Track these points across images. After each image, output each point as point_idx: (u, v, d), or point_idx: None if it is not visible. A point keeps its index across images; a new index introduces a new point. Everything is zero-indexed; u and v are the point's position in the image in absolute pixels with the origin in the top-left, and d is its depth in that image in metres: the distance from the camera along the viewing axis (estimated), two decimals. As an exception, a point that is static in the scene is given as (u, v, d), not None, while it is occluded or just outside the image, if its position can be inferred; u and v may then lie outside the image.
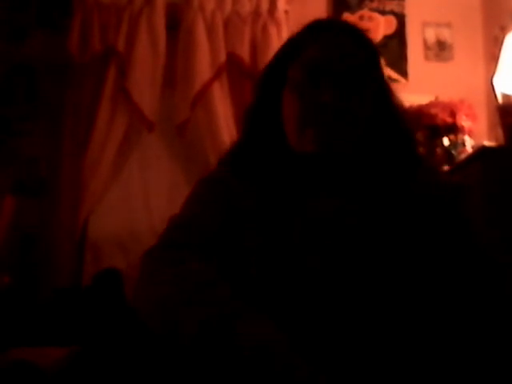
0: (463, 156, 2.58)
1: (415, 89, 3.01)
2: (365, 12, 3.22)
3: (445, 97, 2.89)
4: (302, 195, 1.07)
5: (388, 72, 2.98)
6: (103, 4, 3.00)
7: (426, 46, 3.25)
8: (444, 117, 2.75)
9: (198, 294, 0.93)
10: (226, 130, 2.91)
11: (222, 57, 2.99)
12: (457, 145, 2.73)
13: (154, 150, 3.12)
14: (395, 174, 1.08)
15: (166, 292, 0.95)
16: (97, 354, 1.68)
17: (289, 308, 0.96)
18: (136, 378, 1.39)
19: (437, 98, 2.91)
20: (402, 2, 3.25)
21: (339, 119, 1.05)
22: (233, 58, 3.01)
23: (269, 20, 3.04)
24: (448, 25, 3.26)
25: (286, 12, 3.07)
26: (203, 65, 2.96)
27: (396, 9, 3.24)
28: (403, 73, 3.15)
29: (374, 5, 3.23)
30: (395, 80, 3.06)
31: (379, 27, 3.20)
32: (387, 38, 3.19)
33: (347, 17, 3.16)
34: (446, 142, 2.74)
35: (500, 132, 2.47)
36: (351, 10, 3.21)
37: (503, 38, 2.67)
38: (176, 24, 3.04)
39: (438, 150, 2.74)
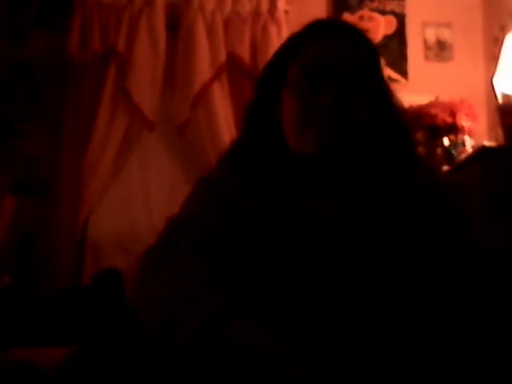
0: (463, 156, 2.58)
1: (415, 89, 3.01)
2: (365, 12, 3.22)
3: (445, 97, 2.89)
4: (301, 195, 1.07)
5: (388, 72, 2.98)
6: (103, 4, 3.00)
7: (426, 46, 3.25)
8: (444, 117, 2.75)
9: (198, 293, 0.93)
10: (226, 129, 2.91)
11: (222, 57, 2.99)
12: (457, 145, 2.73)
13: (154, 150, 3.12)
14: (394, 174, 1.08)
15: (165, 291, 0.95)
16: (97, 354, 1.68)
17: (288, 308, 0.96)
18: (136, 378, 1.39)
19: (437, 98, 2.91)
20: (402, 1, 3.25)
21: (338, 120, 1.05)
22: (233, 58, 3.01)
23: (269, 20, 3.04)
24: (448, 25, 3.26)
25: (286, 12, 3.06)
26: (203, 65, 2.96)
27: (396, 9, 3.24)
28: (403, 73, 3.15)
29: (374, 5, 3.23)
30: (395, 80, 3.06)
31: (379, 27, 3.20)
32: (387, 37, 3.19)
33: (347, 17, 3.16)
34: (446, 141, 2.74)
35: (500, 132, 2.47)
36: (351, 10, 3.20)
37: (503, 38, 2.67)
38: (176, 24, 3.04)
39: (438, 150, 2.74)
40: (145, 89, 2.93)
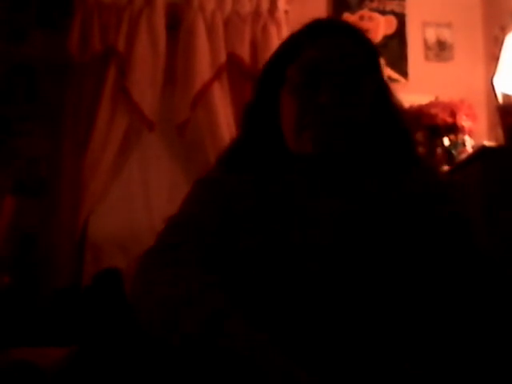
0: (463, 156, 2.59)
1: (415, 89, 3.01)
2: (365, 12, 3.22)
3: (445, 97, 2.89)
4: (301, 195, 1.07)
5: (388, 72, 2.98)
6: (103, 4, 3.00)
7: (426, 46, 3.25)
8: (444, 117, 2.75)
9: (197, 294, 0.93)
10: (227, 129, 2.91)
11: (222, 57, 2.99)
12: (457, 145, 2.73)
13: (154, 150, 3.12)
14: (394, 174, 1.08)
15: (165, 291, 0.95)
16: (96, 353, 1.68)
17: (288, 308, 0.96)
18: (136, 378, 1.39)
19: (437, 98, 2.91)
20: (403, 1, 3.25)
21: (337, 120, 1.05)
22: (233, 58, 3.01)
23: (269, 20, 3.04)
24: (448, 25, 3.26)
25: (286, 12, 3.07)
26: (203, 65, 2.96)
27: (396, 9, 3.24)
28: (403, 73, 3.15)
29: (374, 5, 3.23)
30: (395, 80, 3.06)
31: (379, 27, 3.20)
32: (387, 37, 3.19)
33: (347, 17, 3.16)
34: (446, 141, 2.75)
35: (500, 132, 2.47)
36: (351, 10, 3.20)
37: (503, 38, 2.67)
38: (176, 24, 3.04)
39: (438, 150, 2.74)
40: (145, 89, 2.93)
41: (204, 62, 2.96)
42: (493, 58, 2.87)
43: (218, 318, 0.89)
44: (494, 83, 2.63)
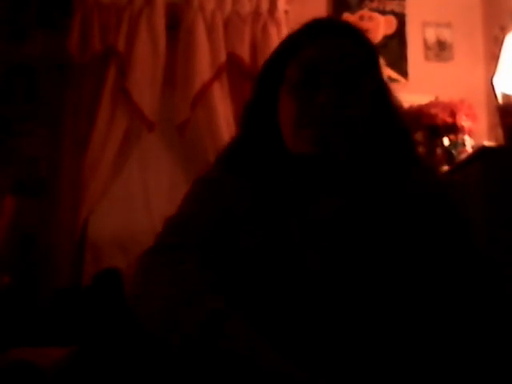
0: (463, 156, 2.58)
1: (415, 89, 3.01)
2: (365, 12, 3.22)
3: (445, 97, 2.89)
4: (301, 195, 1.07)
5: (388, 72, 2.98)
6: (103, 4, 3.00)
7: (426, 46, 3.25)
8: (444, 117, 2.75)
9: (197, 294, 0.93)
10: (226, 129, 2.91)
11: (222, 57, 2.99)
12: (457, 145, 2.73)
13: (154, 150, 3.12)
14: (394, 173, 1.08)
15: (165, 292, 0.95)
16: (97, 354, 1.68)
17: (288, 309, 0.96)
18: (135, 378, 1.39)
19: (437, 98, 2.91)
20: (403, 1, 3.25)
21: (336, 120, 1.04)
22: (233, 58, 3.01)
23: (269, 20, 3.04)
24: (448, 25, 3.26)
25: (286, 12, 3.07)
26: (203, 65, 2.96)
27: (396, 9, 3.24)
28: (403, 73, 3.15)
29: (374, 5, 3.23)
30: (395, 80, 3.06)
31: (379, 27, 3.20)
32: (387, 37, 3.19)
33: (347, 17, 3.16)
34: (446, 142, 2.74)
35: (500, 132, 2.47)
36: (351, 10, 3.20)
37: (503, 37, 2.66)
38: (176, 24, 3.04)
39: (438, 150, 2.74)
40: (145, 89, 2.93)
41: (204, 61, 2.96)
42: (493, 58, 2.87)
43: (218, 319, 0.89)
44: (494, 83, 2.63)
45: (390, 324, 0.96)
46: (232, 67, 3.02)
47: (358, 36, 1.11)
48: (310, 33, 1.11)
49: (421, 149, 2.67)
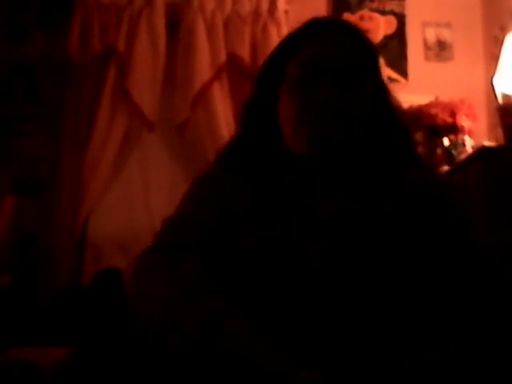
0: (463, 156, 2.58)
1: (415, 89, 3.01)
2: (365, 12, 3.22)
3: (445, 97, 2.88)
4: (301, 195, 1.07)
5: (388, 72, 2.98)
6: (103, 4, 3.00)
7: (426, 46, 3.25)
8: (444, 117, 2.75)
9: (197, 293, 0.93)
10: (226, 129, 2.91)
11: (222, 57, 2.99)
12: (457, 145, 2.73)
13: (154, 150, 3.12)
14: (393, 174, 1.08)
15: (165, 291, 0.95)
16: (96, 354, 1.68)
17: (288, 308, 0.96)
18: (135, 378, 1.39)
19: (437, 98, 2.91)
20: (403, 2, 3.25)
21: (336, 118, 1.04)
22: (233, 58, 3.01)
23: (269, 20, 3.04)
24: (448, 25, 3.26)
25: (286, 12, 3.07)
26: (203, 65, 2.96)
27: (396, 9, 3.24)
28: (403, 73, 3.15)
29: (374, 5, 3.23)
30: (395, 80, 3.06)
31: (379, 27, 3.20)
32: (387, 38, 3.19)
33: (347, 17, 3.16)
34: (446, 142, 2.74)
35: (500, 132, 2.47)
36: (351, 10, 3.20)
37: (503, 37, 2.67)
38: (176, 24, 3.04)
39: (438, 150, 2.74)
40: (145, 89, 2.93)
41: (204, 61, 2.96)
42: (493, 58, 2.87)
43: (217, 318, 0.89)
44: (494, 83, 2.63)
45: (391, 322, 0.96)
46: (232, 67, 3.02)
47: (358, 35, 1.11)
48: (311, 31, 1.10)
49: (421, 149, 2.67)
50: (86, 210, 2.86)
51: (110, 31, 2.98)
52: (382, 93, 1.12)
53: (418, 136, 2.72)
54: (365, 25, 3.13)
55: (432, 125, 2.75)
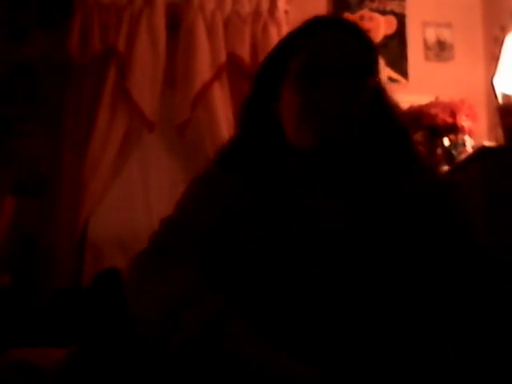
0: (463, 156, 2.58)
1: (415, 89, 3.01)
2: (365, 12, 3.22)
3: (445, 97, 2.88)
4: (300, 195, 1.07)
5: (388, 72, 2.98)
6: (103, 4, 3.00)
7: (427, 46, 3.25)
8: (444, 117, 2.75)
9: (197, 294, 0.93)
10: (227, 129, 2.91)
11: (222, 57, 2.99)
12: (457, 145, 2.73)
13: (154, 150, 3.13)
14: (393, 174, 1.08)
15: (165, 293, 0.95)
16: (96, 354, 1.68)
17: (288, 310, 0.96)
18: (135, 378, 1.39)
19: (437, 98, 2.91)
20: (403, 2, 3.25)
21: (337, 119, 1.04)
22: (233, 58, 3.01)
23: (269, 20, 3.04)
24: (448, 25, 3.26)
25: (286, 12, 3.07)
26: (203, 65, 2.96)
27: (396, 9, 3.24)
28: (403, 73, 3.15)
29: (375, 5, 3.23)
30: (395, 80, 3.06)
31: (379, 27, 3.20)
32: (387, 38, 3.19)
33: (347, 17, 3.15)
34: (446, 142, 2.74)
35: (500, 132, 2.47)
36: (351, 10, 3.20)
37: (503, 37, 2.67)
38: (176, 24, 3.04)
39: (438, 150, 2.74)
40: (145, 89, 2.93)
41: (204, 61, 2.96)
42: (493, 58, 2.87)
43: (218, 319, 0.89)
44: (494, 83, 2.63)
45: (391, 325, 0.96)
46: (232, 67, 3.02)
47: (360, 34, 1.11)
48: (314, 27, 1.11)
49: (421, 149, 2.67)
50: (86, 210, 2.86)
51: (110, 31, 2.98)
52: (380, 92, 1.12)
53: (418, 136, 2.72)
54: (365, 25, 3.13)
55: (432, 125, 2.75)
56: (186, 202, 1.11)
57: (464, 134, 2.76)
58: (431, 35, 3.26)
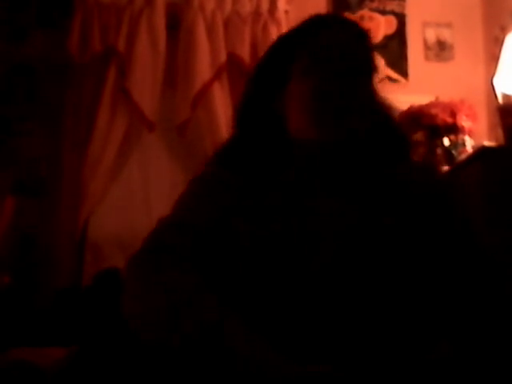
0: (463, 156, 2.58)
1: (415, 89, 3.01)
2: (365, 12, 3.22)
3: (445, 97, 2.88)
4: (300, 194, 1.06)
5: (388, 72, 2.98)
6: (103, 4, 3.00)
7: (427, 46, 3.25)
8: (444, 117, 2.75)
9: (197, 295, 0.93)
10: (227, 129, 2.91)
11: (223, 57, 2.99)
12: (457, 145, 2.73)
13: (154, 150, 3.12)
14: (393, 174, 1.08)
15: (164, 294, 0.94)
16: (96, 354, 1.68)
17: (288, 309, 0.96)
18: (135, 378, 1.39)
19: (437, 98, 2.91)
20: (403, 2, 3.25)
21: (337, 119, 1.04)
22: (233, 58, 3.01)
23: (269, 20, 3.04)
24: (448, 25, 3.26)
25: (286, 12, 3.07)
26: (203, 65, 2.96)
27: (396, 9, 3.24)
28: (403, 73, 3.15)
29: (375, 5, 3.23)
30: (395, 80, 3.06)
31: (379, 27, 3.20)
32: (387, 38, 3.19)
33: (347, 17, 3.16)
34: (446, 142, 2.74)
35: (500, 132, 2.47)
36: (351, 9, 3.20)
37: (503, 38, 2.67)
38: (176, 24, 3.04)
39: (439, 150, 2.74)
40: (145, 89, 2.93)
41: (204, 61, 2.96)
42: (493, 58, 2.87)
43: (217, 318, 0.89)
44: (494, 83, 2.63)
45: (391, 322, 0.96)
46: (232, 67, 3.02)
47: (361, 33, 1.12)
48: (319, 22, 1.11)
49: (421, 149, 2.67)
50: (86, 210, 2.86)
51: (110, 31, 2.98)
52: (377, 92, 1.12)
53: (418, 136, 2.72)
54: (365, 25, 3.12)
55: (432, 125, 2.75)
56: (184, 201, 1.11)
57: (464, 134, 2.76)
58: (431, 35, 3.26)
